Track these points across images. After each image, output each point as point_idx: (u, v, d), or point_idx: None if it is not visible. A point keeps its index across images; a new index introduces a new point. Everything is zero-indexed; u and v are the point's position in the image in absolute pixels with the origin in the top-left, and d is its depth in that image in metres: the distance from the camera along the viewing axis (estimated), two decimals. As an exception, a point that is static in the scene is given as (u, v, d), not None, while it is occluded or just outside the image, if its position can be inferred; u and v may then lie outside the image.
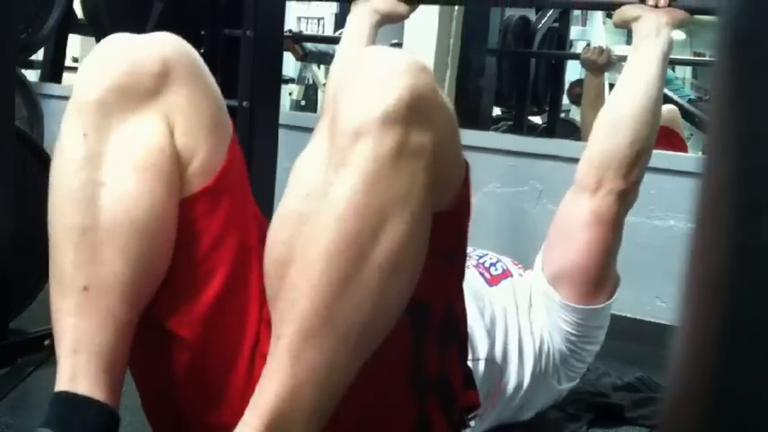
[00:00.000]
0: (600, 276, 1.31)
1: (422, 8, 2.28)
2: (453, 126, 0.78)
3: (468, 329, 1.17)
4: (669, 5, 1.38)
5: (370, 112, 0.70)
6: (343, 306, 0.71)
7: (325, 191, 0.71)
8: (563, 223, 1.34)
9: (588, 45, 3.72)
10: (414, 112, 0.71)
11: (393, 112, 0.70)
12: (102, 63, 0.85)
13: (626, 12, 1.43)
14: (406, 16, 1.65)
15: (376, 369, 0.76)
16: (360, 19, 1.58)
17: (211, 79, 0.90)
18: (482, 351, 1.19)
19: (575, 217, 1.30)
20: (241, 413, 0.73)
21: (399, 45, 2.39)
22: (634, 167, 1.28)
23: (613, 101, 1.35)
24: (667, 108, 4.61)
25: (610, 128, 1.31)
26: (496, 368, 1.21)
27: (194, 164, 0.86)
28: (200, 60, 0.89)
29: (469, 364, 1.12)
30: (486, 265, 1.36)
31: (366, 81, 0.73)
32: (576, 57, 3.31)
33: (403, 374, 0.86)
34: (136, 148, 0.82)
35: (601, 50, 3.01)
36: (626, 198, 1.29)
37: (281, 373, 0.72)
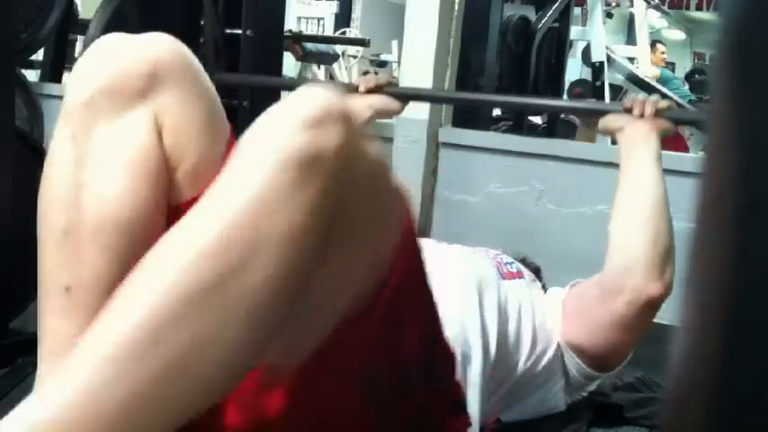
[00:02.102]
0: (612, 363, 1.33)
1: (422, 9, 2.28)
2: (372, 179, 0.70)
3: (479, 318, 1.18)
4: (654, 116, 1.37)
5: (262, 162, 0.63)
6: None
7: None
8: (585, 309, 1.30)
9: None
10: (301, 170, 0.63)
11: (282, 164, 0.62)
12: (91, 64, 0.84)
13: (610, 122, 1.42)
14: (398, 112, 1.68)
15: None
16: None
17: (207, 82, 0.88)
18: (492, 339, 1.19)
19: (599, 315, 1.27)
20: (248, 413, 0.73)
21: (399, 45, 2.38)
22: (666, 267, 1.23)
23: (620, 211, 1.30)
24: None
25: (626, 234, 1.27)
26: (504, 357, 1.22)
27: (185, 166, 0.85)
28: (196, 61, 0.88)
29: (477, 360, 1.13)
30: (504, 262, 1.37)
31: (264, 135, 0.66)
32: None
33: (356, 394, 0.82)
34: (121, 149, 0.81)
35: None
36: (657, 304, 1.23)
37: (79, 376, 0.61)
